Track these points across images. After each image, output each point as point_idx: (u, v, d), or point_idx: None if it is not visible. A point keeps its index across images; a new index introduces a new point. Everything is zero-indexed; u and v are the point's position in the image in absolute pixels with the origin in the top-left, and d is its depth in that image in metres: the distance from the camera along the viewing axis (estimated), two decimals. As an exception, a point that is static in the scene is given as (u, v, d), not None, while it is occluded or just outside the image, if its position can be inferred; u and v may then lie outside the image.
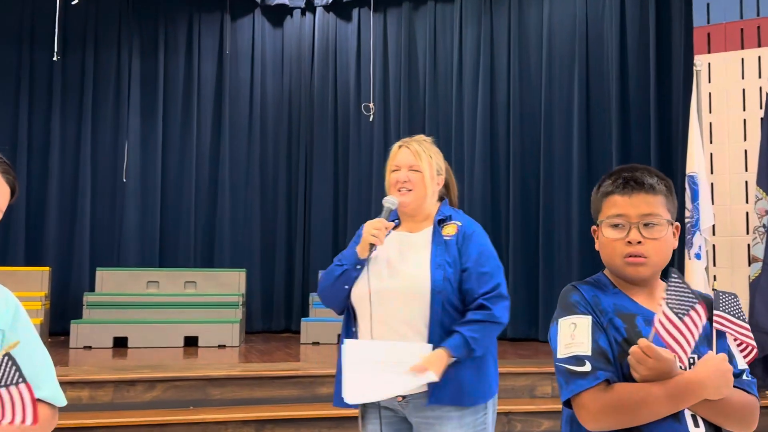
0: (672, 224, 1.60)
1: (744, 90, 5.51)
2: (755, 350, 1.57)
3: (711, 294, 1.58)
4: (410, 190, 2.41)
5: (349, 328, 2.42)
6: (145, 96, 7.99)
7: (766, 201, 4.89)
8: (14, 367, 1.22)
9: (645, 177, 1.62)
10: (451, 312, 2.29)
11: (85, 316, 6.63)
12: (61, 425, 3.67)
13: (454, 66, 7.69)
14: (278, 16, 8.42)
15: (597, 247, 1.67)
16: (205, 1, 8.20)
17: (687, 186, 5.18)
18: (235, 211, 8.11)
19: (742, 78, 5.51)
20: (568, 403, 1.54)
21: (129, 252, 7.76)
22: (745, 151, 5.45)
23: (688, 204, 5.14)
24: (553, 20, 7.17)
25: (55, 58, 6.86)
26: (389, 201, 2.40)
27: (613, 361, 1.54)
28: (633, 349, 1.48)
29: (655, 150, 6.36)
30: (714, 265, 5.41)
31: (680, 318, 1.44)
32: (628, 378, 1.52)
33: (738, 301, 1.57)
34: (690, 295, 1.45)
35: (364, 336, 2.36)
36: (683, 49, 6.01)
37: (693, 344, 1.46)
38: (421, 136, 2.54)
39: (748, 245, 5.12)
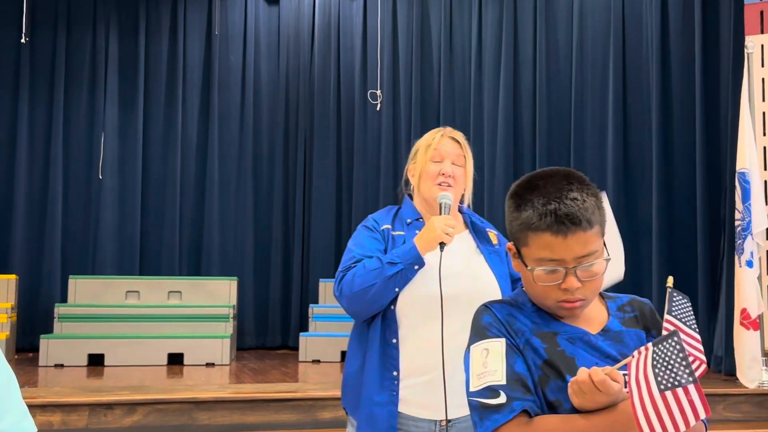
0: (605, 247, 1.56)
1: (803, 75, 5.49)
2: (704, 365, 1.53)
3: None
4: (449, 186, 2.44)
5: (387, 339, 2.36)
6: (124, 82, 8.01)
7: (828, 202, 4.87)
8: None
9: (577, 209, 1.51)
10: None
11: (57, 330, 6.64)
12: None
13: (472, 49, 7.69)
14: (274, -8, 8.46)
15: (516, 269, 1.62)
16: (191, -24, 8.24)
17: (737, 184, 5.17)
18: (226, 213, 8.13)
19: (801, 62, 5.49)
20: None
21: (106, 258, 7.78)
22: (804, 144, 5.43)
23: (739, 205, 5.13)
24: (584, -3, 7.18)
25: (22, 40, 6.89)
26: (446, 197, 2.41)
27: (533, 388, 1.51)
28: (581, 378, 1.42)
29: (701, 144, 6.33)
30: (768, 274, 5.40)
31: (660, 390, 1.32)
32: (553, 406, 1.49)
33: (690, 306, 1.54)
34: (683, 372, 1.32)
35: (416, 349, 2.33)
36: (733, 29, 5.97)
37: (672, 426, 1.32)
38: (448, 128, 2.59)
39: (808, 252, 5.10)
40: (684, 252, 6.32)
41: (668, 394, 1.31)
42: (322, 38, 8.35)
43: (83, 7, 7.97)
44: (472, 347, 1.57)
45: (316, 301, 7.47)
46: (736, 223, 5.16)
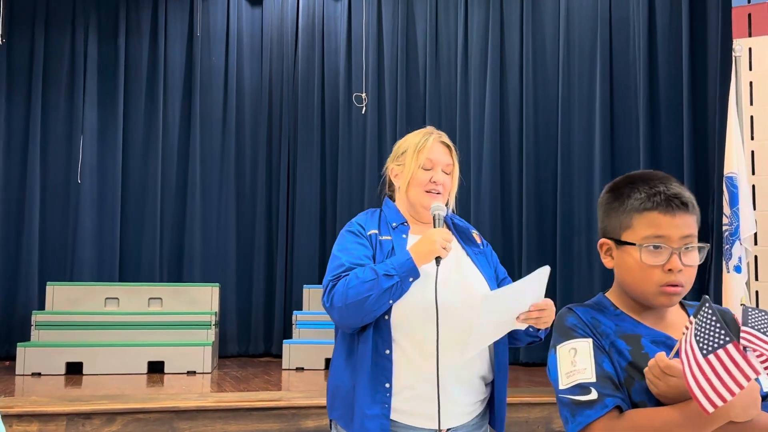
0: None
1: (790, 79, 5.54)
2: None
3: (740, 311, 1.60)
4: (438, 194, 2.44)
5: (380, 350, 2.34)
6: (104, 84, 8.00)
7: (816, 206, 4.91)
8: None
9: (685, 192, 1.65)
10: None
11: (34, 338, 6.61)
12: (6, 465, 3.67)
13: (458, 52, 7.72)
14: (257, -7, 8.47)
15: (611, 264, 1.70)
16: (172, -24, 8.23)
17: (725, 189, 5.20)
18: (208, 218, 8.12)
19: (788, 66, 5.54)
20: None
21: (84, 264, 7.76)
22: (792, 149, 5.47)
23: (726, 209, 5.16)
24: (571, 3, 7.20)
25: (-1, 41, 6.86)
26: (440, 208, 2.41)
27: (620, 387, 1.57)
28: (651, 363, 1.51)
29: (689, 148, 6.38)
30: (756, 279, 5.43)
31: (704, 356, 1.44)
32: (637, 405, 1.55)
33: (767, 318, 1.59)
34: (719, 335, 1.45)
35: (409, 360, 2.33)
36: (720, 33, 6.02)
37: (724, 389, 1.43)
38: (431, 128, 2.56)
39: (796, 257, 5.14)
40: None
41: (711, 357, 1.42)
42: (305, 40, 8.36)
43: (62, 8, 7.96)
44: (558, 347, 1.63)
45: (300, 308, 7.47)
46: (724, 227, 5.19)
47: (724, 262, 5.16)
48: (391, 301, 2.30)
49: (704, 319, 1.47)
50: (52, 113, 7.89)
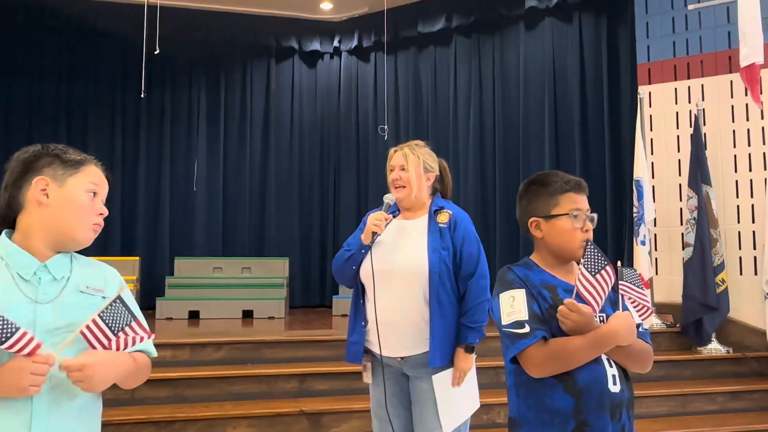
0: None
1: (677, 113, 5.51)
2: (650, 310, 1.62)
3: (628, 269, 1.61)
4: (403, 187, 2.36)
5: (357, 301, 2.36)
6: (210, 124, 8.06)
7: (696, 199, 4.90)
8: (125, 310, 1.31)
9: (583, 181, 1.67)
10: (447, 289, 2.23)
11: (167, 294, 6.71)
12: (151, 377, 3.75)
13: (450, 96, 7.70)
14: (312, 59, 8.48)
15: (540, 235, 1.64)
16: (255, 49, 8.27)
17: (634, 188, 5.18)
18: (280, 212, 8.16)
19: (676, 103, 5.51)
20: (514, 360, 1.56)
21: (199, 244, 7.84)
22: (679, 160, 5.45)
23: (635, 202, 5.15)
24: (528, 60, 7.16)
25: (141, 96, 6.99)
26: (388, 197, 2.35)
27: (544, 323, 1.54)
28: (560, 307, 1.51)
29: (609, 160, 6.36)
30: (656, 249, 5.43)
31: (593, 275, 1.48)
32: (556, 335, 1.53)
33: (637, 274, 1.61)
34: (602, 259, 1.50)
35: (371, 307, 2.29)
36: (630, 81, 6.01)
37: (604, 295, 1.49)
38: (415, 141, 2.46)
39: (682, 234, 5.13)
40: (599, 236, 6.29)
41: (598, 276, 1.47)
42: (345, 91, 8.36)
43: (182, 73, 8.03)
44: (501, 295, 1.57)
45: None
46: (634, 215, 5.17)
47: (634, 239, 5.14)
48: (353, 267, 2.30)
49: (590, 252, 1.50)
50: (177, 144, 7.95)
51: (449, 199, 2.46)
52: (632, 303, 1.59)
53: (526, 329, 1.51)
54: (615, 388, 1.52)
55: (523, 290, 1.57)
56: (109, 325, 1.29)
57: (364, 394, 2.82)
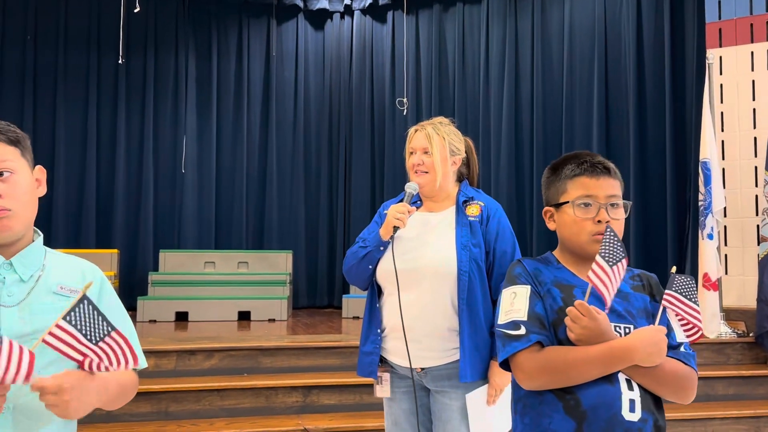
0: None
1: (753, 81, 5.38)
2: (700, 331, 1.53)
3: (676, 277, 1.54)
4: (426, 173, 2.33)
5: (374, 304, 2.36)
6: (201, 95, 8.07)
7: (775, 185, 4.79)
8: (101, 318, 1.24)
9: (608, 162, 1.62)
10: (478, 290, 2.22)
11: (150, 293, 6.76)
12: (131, 389, 3.78)
13: (481, 63, 7.63)
14: (319, 19, 8.44)
15: (552, 227, 1.64)
16: (253, 7, 8.25)
17: (700, 171, 5.10)
18: (282, 198, 8.17)
19: (752, 70, 5.38)
20: (506, 365, 1.54)
21: (188, 235, 7.87)
22: (755, 138, 5.33)
23: (702, 188, 5.07)
24: (573, 20, 7.07)
25: (120, 62, 6.98)
26: (410, 186, 2.32)
27: (548, 327, 1.51)
28: (569, 308, 1.46)
29: (670, 138, 6.24)
30: (726, 244, 5.33)
31: (610, 265, 1.45)
32: (563, 343, 1.49)
33: (694, 285, 1.54)
34: (621, 250, 1.47)
35: (390, 311, 2.29)
36: (696, 44, 5.88)
37: (616, 288, 1.46)
38: (438, 119, 2.42)
39: (758, 226, 5.03)
40: (657, 228, 6.24)
41: (614, 267, 1.46)
42: (358, 57, 8.34)
43: (167, 35, 8.02)
44: (504, 290, 1.58)
45: (355, 270, 7.47)
46: (699, 203, 5.09)
47: (699, 231, 5.07)
48: (369, 267, 2.29)
49: (608, 239, 1.47)
50: (161, 119, 7.98)
51: (477, 188, 2.45)
52: (678, 319, 1.51)
53: (521, 331, 1.50)
54: (632, 415, 1.44)
55: (528, 287, 1.55)
56: (82, 330, 1.22)
57: (377, 410, 2.79)
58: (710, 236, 4.98)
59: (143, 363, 1.49)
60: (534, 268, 1.60)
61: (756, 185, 5.29)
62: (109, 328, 1.25)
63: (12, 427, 1.27)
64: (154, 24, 7.93)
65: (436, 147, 2.32)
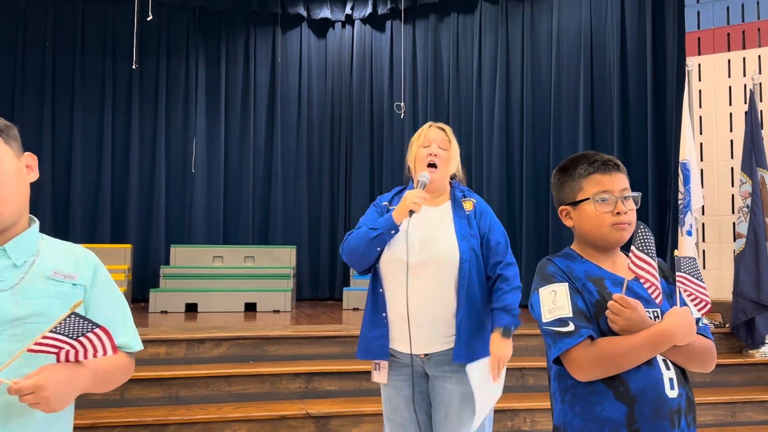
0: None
1: (730, 87, 5.39)
2: (709, 305, 1.58)
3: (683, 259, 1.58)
4: (435, 166, 2.34)
5: (377, 290, 2.33)
6: (210, 99, 8.06)
7: (749, 185, 4.80)
8: (84, 320, 1.23)
9: (614, 159, 1.65)
10: (475, 277, 2.25)
11: (162, 285, 6.77)
12: (143, 376, 3.79)
13: (474, 70, 7.63)
14: (322, 28, 8.44)
15: (571, 224, 1.65)
16: (259, 17, 8.24)
17: (680, 172, 5.09)
18: (287, 197, 8.18)
19: (729, 77, 5.39)
20: (557, 361, 1.54)
21: (198, 231, 7.87)
22: (731, 141, 5.34)
23: (681, 188, 5.06)
24: (561, 29, 7.07)
25: (133, 67, 6.98)
26: (424, 176, 2.31)
27: (591, 320, 1.52)
28: (610, 303, 1.48)
29: (652, 140, 6.25)
30: (703, 240, 5.34)
31: (651, 257, 1.48)
32: (605, 334, 1.51)
33: (696, 263, 1.59)
34: (653, 244, 1.50)
35: (394, 297, 2.28)
36: (676, 52, 5.88)
37: (658, 276, 1.49)
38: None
39: (734, 223, 5.04)
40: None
41: (652, 257, 1.48)
42: (358, 63, 8.34)
43: (179, 42, 8.02)
44: (541, 290, 1.56)
45: (355, 264, 7.47)
46: (679, 202, 5.08)
47: (679, 228, 5.06)
48: (378, 249, 2.26)
49: (642, 235, 1.50)
50: (173, 121, 7.97)
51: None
52: (690, 297, 1.56)
53: (570, 327, 1.49)
54: (672, 392, 1.49)
55: (566, 284, 1.55)
56: (64, 333, 1.22)
57: (376, 396, 2.80)
58: (689, 233, 4.98)
59: (138, 345, 1.47)
60: (565, 265, 1.60)
61: (732, 185, 5.29)
62: (91, 326, 1.23)
63: (5, 417, 1.25)
64: (166, 32, 7.93)
65: (454, 146, 2.40)
